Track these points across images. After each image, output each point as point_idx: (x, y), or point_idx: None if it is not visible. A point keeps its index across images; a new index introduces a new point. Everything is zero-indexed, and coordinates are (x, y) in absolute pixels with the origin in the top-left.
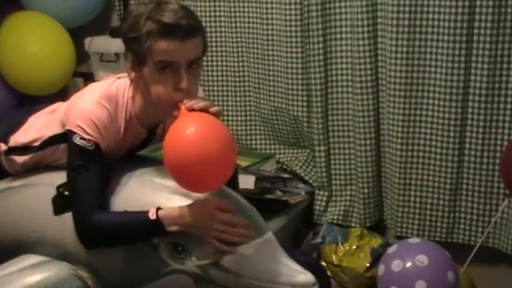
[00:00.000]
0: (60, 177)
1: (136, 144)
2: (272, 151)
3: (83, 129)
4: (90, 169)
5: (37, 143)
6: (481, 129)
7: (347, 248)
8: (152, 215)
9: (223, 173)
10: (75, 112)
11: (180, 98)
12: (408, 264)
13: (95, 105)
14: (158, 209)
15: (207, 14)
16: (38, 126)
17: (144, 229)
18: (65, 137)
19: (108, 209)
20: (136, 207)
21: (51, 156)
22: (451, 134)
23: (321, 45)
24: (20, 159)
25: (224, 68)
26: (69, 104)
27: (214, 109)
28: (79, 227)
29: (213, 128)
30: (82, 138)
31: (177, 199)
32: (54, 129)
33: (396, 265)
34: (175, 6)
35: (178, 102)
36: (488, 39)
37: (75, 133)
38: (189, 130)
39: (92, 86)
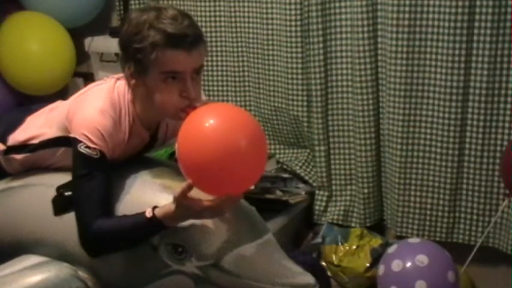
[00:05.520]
0: (60, 178)
1: (139, 150)
2: (272, 151)
3: (88, 138)
4: (95, 177)
5: (36, 141)
6: (481, 129)
7: (347, 248)
8: (149, 214)
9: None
10: (80, 120)
11: (185, 104)
12: (408, 264)
13: (100, 113)
14: (154, 208)
15: (207, 14)
16: (37, 125)
17: (143, 229)
18: (64, 141)
19: (112, 215)
20: (136, 208)
21: (49, 159)
22: (451, 134)
23: (321, 45)
24: (18, 157)
25: (224, 68)
26: (72, 109)
27: None
28: (82, 236)
29: (239, 116)
30: (87, 146)
31: None
32: (54, 131)
33: (396, 265)
34: (175, 12)
35: (184, 108)
36: (488, 39)
37: (80, 141)
38: (211, 121)
39: (94, 91)
